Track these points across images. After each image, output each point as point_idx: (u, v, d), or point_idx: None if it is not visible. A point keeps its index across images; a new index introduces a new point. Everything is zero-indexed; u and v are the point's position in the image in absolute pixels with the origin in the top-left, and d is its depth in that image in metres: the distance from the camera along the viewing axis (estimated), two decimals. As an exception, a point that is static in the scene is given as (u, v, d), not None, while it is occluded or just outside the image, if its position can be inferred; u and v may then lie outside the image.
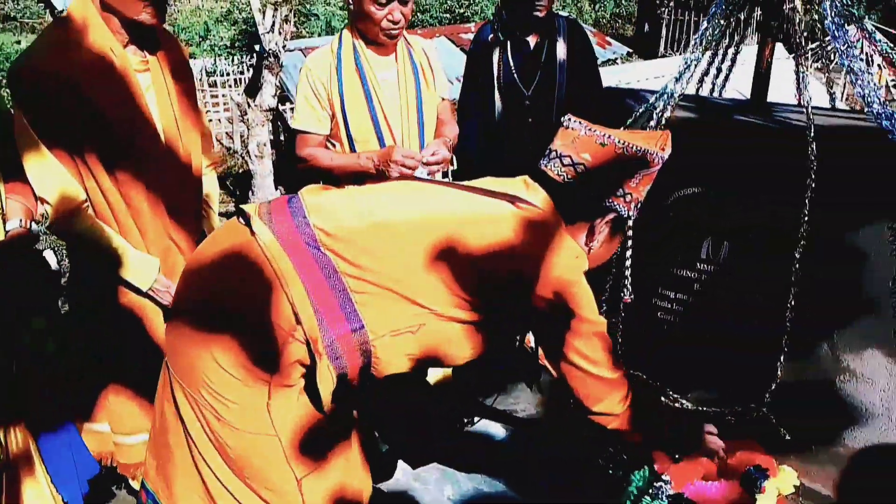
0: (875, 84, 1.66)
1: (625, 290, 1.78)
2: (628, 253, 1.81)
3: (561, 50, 2.74)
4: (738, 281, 1.79)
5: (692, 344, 1.88)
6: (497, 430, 2.11)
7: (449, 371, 2.77)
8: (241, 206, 1.44)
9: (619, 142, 1.43)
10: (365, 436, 1.63)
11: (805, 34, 1.68)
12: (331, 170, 2.27)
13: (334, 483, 1.44)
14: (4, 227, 1.66)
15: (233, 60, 11.10)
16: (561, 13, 3.01)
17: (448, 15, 15.46)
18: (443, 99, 2.45)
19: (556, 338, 1.46)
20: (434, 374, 2.72)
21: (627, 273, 1.78)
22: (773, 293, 1.72)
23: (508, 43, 2.73)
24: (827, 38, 1.66)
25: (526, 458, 1.99)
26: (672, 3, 15.80)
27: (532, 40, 2.74)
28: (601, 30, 16.09)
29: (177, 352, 1.41)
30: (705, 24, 1.76)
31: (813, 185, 1.59)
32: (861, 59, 1.60)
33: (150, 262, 1.84)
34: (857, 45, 1.65)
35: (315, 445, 1.41)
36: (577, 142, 1.44)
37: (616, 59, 8.06)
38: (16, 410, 1.69)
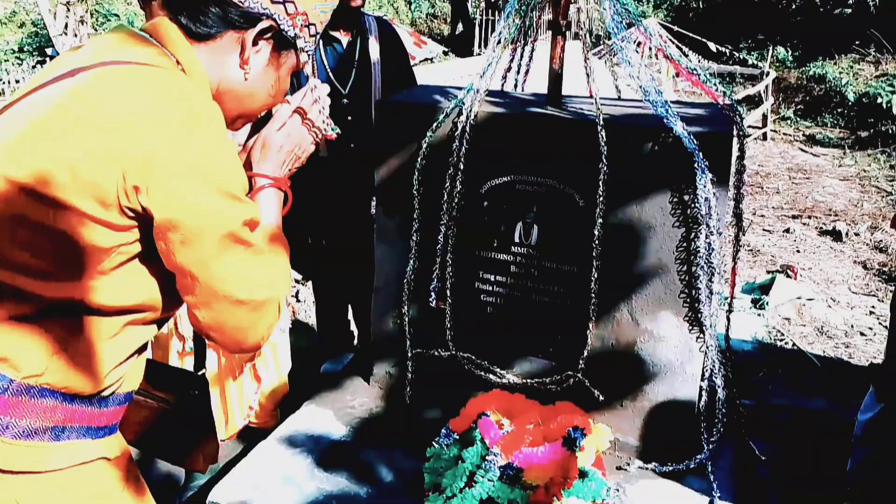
0: (653, 76, 1.87)
1: (328, 128, 1.46)
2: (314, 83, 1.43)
3: (374, 49, 2.79)
4: (549, 261, 1.94)
5: (514, 322, 2.01)
6: (336, 427, 2.12)
7: (284, 380, 2.74)
8: None
9: None
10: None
11: (589, 32, 1.85)
12: None
13: None
14: None
15: (22, 66, 10.10)
16: (373, 13, 3.07)
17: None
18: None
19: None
20: (271, 384, 2.68)
21: (325, 117, 1.46)
22: (579, 270, 1.88)
23: (321, 43, 2.74)
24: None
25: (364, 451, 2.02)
26: (483, 4, 16.49)
27: (344, 39, 2.77)
28: (417, 29, 16.43)
29: None
30: (501, 23, 1.89)
31: (605, 168, 1.76)
32: (637, 52, 1.79)
33: None
34: (635, 42, 1.84)
35: None
36: None
37: (433, 57, 8.29)
38: None
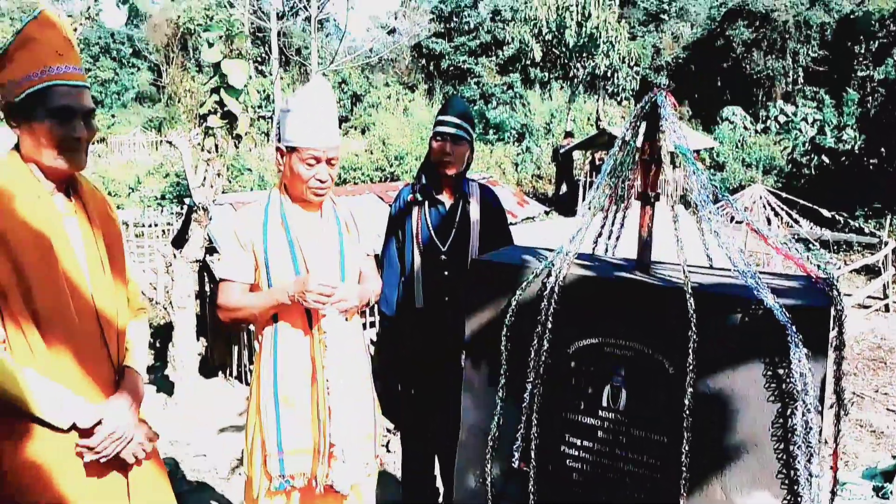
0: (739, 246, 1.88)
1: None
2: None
3: (474, 210, 2.97)
4: (637, 428, 1.89)
5: (600, 491, 1.94)
6: None
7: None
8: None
9: None
10: None
11: (677, 204, 1.90)
12: (251, 312, 2.33)
13: None
14: None
15: (162, 212, 11.21)
16: (480, 174, 3.29)
17: (378, 173, 16.22)
18: (368, 255, 2.58)
19: None
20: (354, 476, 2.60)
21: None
22: (669, 440, 1.82)
23: (426, 203, 2.95)
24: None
25: None
26: (587, 167, 17.08)
27: (448, 201, 2.97)
28: (523, 189, 17.11)
29: None
30: (592, 192, 1.99)
31: (694, 336, 1.75)
32: (725, 225, 1.82)
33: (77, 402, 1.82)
34: (721, 213, 1.88)
35: None
36: None
37: (534, 217, 8.59)
38: None
